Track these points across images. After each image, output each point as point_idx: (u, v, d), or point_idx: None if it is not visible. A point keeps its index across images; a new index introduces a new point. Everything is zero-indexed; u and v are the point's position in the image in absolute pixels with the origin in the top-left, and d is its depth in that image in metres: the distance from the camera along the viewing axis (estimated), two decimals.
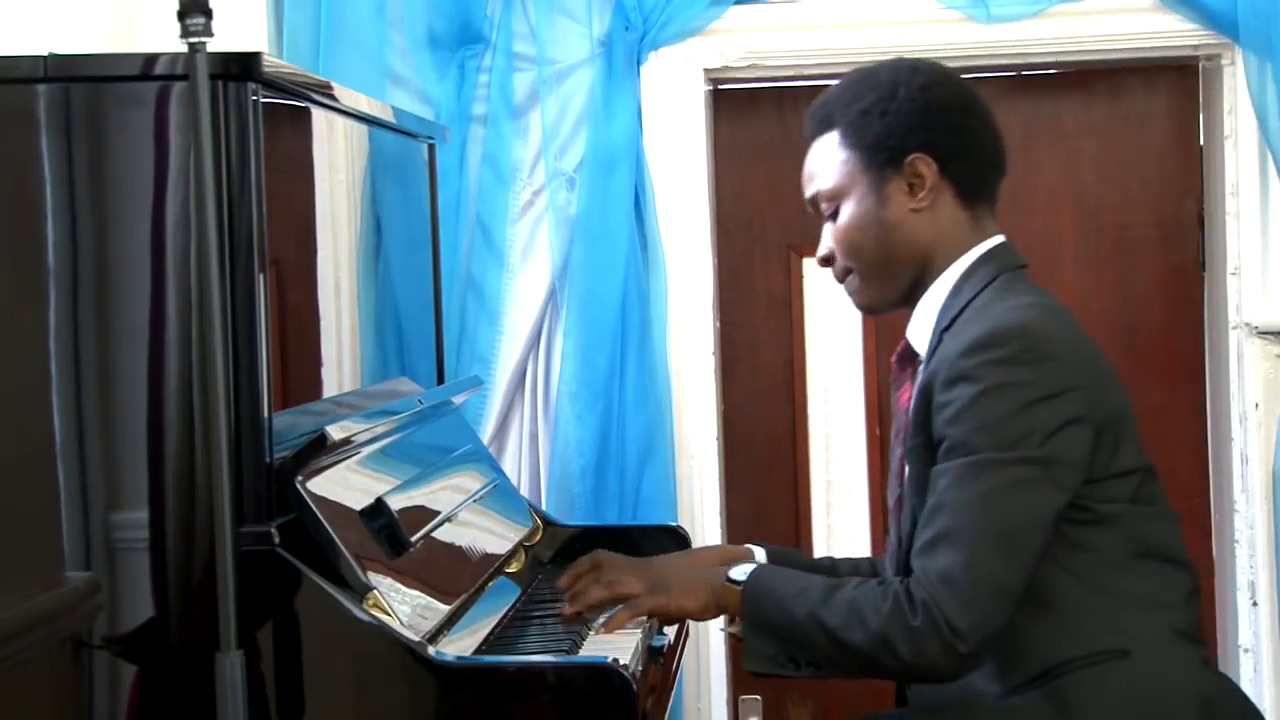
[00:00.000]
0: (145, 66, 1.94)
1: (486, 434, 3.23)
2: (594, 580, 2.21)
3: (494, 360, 3.26)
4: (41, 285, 1.92)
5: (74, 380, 1.93)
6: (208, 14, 1.80)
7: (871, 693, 3.46)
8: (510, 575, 2.43)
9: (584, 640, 2.14)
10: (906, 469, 2.11)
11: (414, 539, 2.14)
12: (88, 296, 1.93)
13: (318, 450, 1.99)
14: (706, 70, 3.32)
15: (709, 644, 3.32)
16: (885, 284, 2.16)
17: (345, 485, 2.08)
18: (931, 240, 2.12)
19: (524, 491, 3.19)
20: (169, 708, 1.95)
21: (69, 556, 1.94)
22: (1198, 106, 3.41)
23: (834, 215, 2.18)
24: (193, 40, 1.80)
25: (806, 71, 3.37)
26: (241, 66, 1.91)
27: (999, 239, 2.15)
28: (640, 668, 2.08)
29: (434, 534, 2.23)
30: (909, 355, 2.18)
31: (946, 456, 1.97)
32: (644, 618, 2.17)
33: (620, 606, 2.16)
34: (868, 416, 3.52)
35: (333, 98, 2.23)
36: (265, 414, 1.93)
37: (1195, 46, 3.27)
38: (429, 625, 2.02)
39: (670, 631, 2.36)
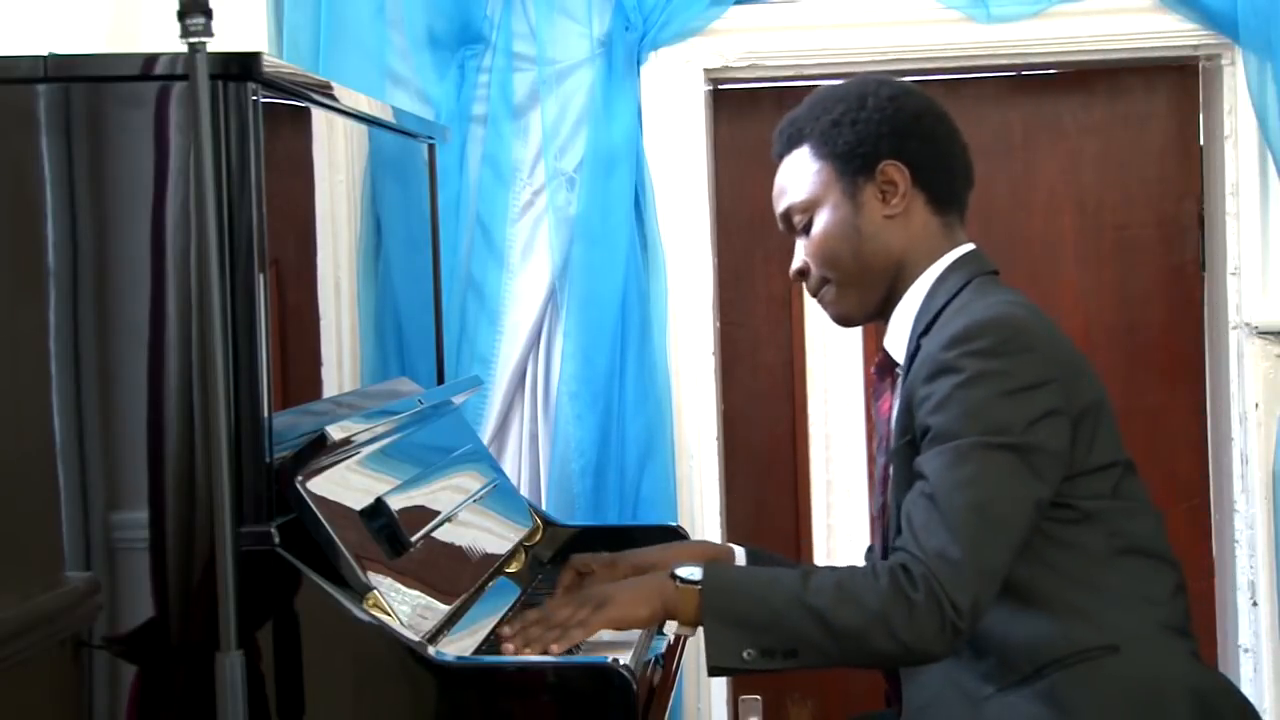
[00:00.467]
0: (145, 66, 1.94)
1: (486, 434, 3.23)
2: (542, 626, 2.07)
3: (494, 360, 3.26)
4: (41, 285, 1.92)
5: (74, 380, 1.93)
6: (208, 14, 1.80)
7: (872, 693, 3.46)
8: (510, 575, 2.43)
9: (579, 642, 2.13)
10: (891, 476, 2.12)
11: (414, 539, 2.14)
12: (88, 296, 1.93)
13: (318, 450, 1.99)
14: (706, 70, 3.32)
15: None
16: (861, 292, 2.18)
17: (345, 485, 2.08)
18: (905, 247, 2.15)
19: (524, 491, 3.19)
20: (169, 708, 1.95)
21: (69, 556, 1.94)
22: (1198, 106, 3.41)
23: (807, 228, 2.20)
24: (193, 40, 1.80)
25: (806, 71, 3.36)
26: (241, 66, 1.91)
27: (969, 246, 2.18)
28: (640, 668, 2.08)
29: (434, 534, 2.23)
30: (887, 365, 2.20)
31: (930, 445, 1.98)
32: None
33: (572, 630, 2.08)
34: (868, 417, 3.51)
35: (333, 98, 2.23)
36: (265, 414, 1.93)
37: (1195, 46, 3.27)
38: (429, 625, 2.02)
39: (670, 632, 2.35)
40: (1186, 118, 3.43)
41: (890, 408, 2.17)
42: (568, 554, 2.64)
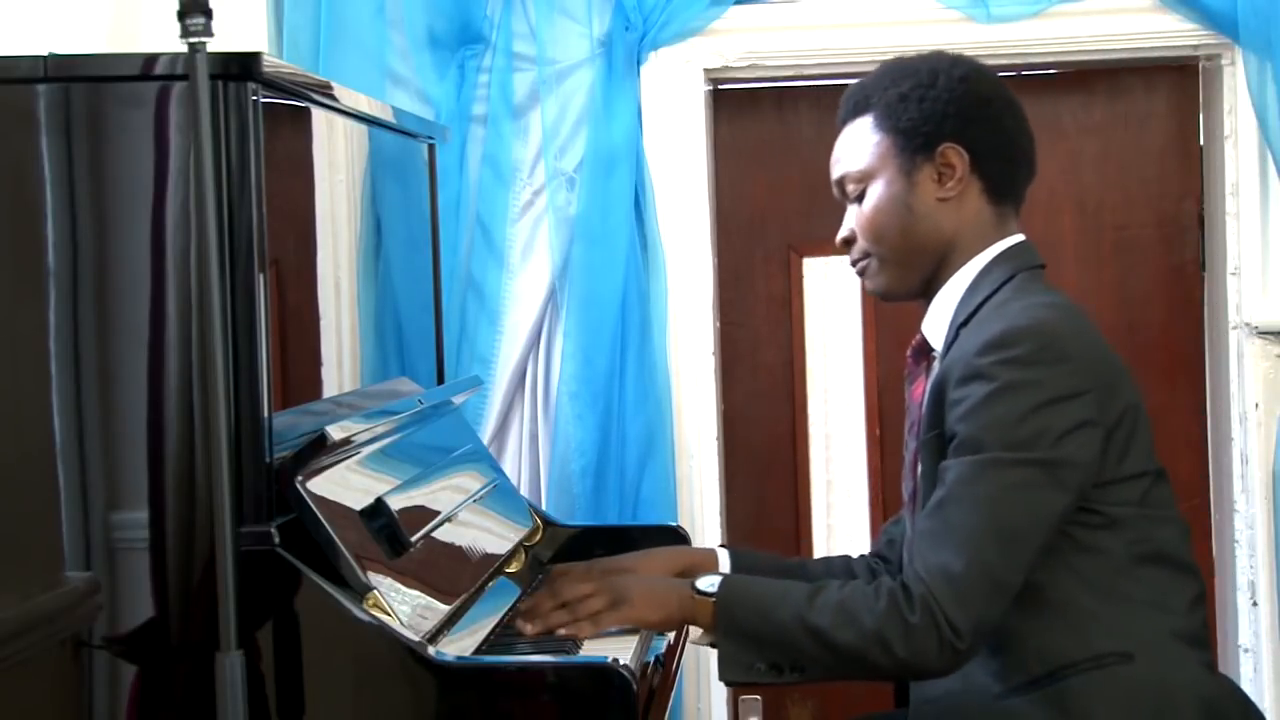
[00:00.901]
0: (145, 66, 1.94)
1: (486, 434, 3.23)
2: (553, 601, 2.16)
3: (494, 360, 3.26)
4: (41, 285, 1.92)
5: (74, 380, 1.93)
6: (208, 14, 1.80)
7: (873, 692, 3.46)
8: (510, 575, 2.42)
9: (584, 640, 2.14)
10: (920, 463, 2.10)
11: (414, 539, 2.14)
12: (88, 296, 1.93)
13: (318, 450, 1.99)
14: (706, 70, 3.32)
15: None
16: (903, 271, 2.15)
17: (345, 485, 2.08)
18: (954, 232, 2.12)
19: (524, 491, 3.19)
20: (169, 708, 1.95)
21: (69, 556, 1.94)
22: (1198, 106, 3.41)
23: (860, 198, 2.17)
24: (193, 40, 1.80)
25: (806, 71, 3.37)
26: (241, 66, 1.90)
27: (1019, 238, 2.15)
28: (640, 667, 2.08)
29: (434, 534, 2.22)
30: (924, 349, 2.18)
31: (955, 453, 1.98)
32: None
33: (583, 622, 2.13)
34: (868, 416, 3.52)
35: (333, 98, 2.23)
36: (265, 414, 1.93)
37: (1195, 46, 3.27)
38: (429, 625, 2.02)
39: (670, 633, 2.35)
40: (1186, 118, 3.43)
41: (923, 392, 2.15)
42: (568, 554, 2.65)
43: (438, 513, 2.27)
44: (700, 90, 3.31)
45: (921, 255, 2.13)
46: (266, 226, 1.94)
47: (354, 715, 1.95)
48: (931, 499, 2.00)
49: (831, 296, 3.53)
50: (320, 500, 1.97)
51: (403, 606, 1.98)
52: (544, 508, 3.11)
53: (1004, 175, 2.14)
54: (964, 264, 2.12)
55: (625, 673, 1.89)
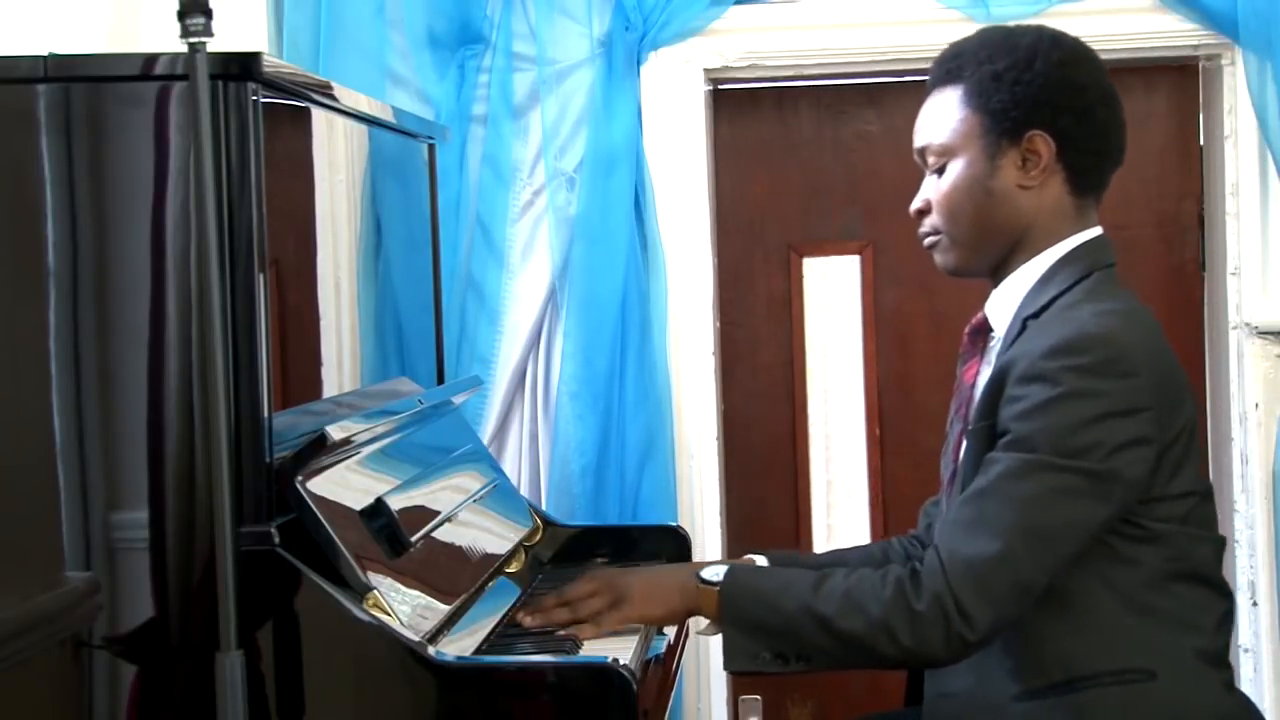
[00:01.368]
0: (145, 66, 1.94)
1: (486, 434, 3.23)
2: (556, 598, 2.17)
3: (494, 360, 3.26)
4: (41, 285, 1.92)
5: (74, 380, 1.93)
6: (208, 14, 1.80)
7: (873, 692, 3.46)
8: (510, 575, 2.42)
9: (584, 640, 2.14)
10: (964, 446, 2.08)
11: (414, 539, 2.14)
12: (88, 296, 1.93)
13: (318, 450, 1.99)
14: (706, 70, 3.32)
15: (709, 644, 3.32)
16: (974, 253, 2.11)
17: (345, 485, 2.08)
18: (1031, 220, 2.07)
19: (524, 491, 3.19)
20: (169, 708, 1.95)
21: (69, 556, 1.94)
22: (1198, 106, 3.41)
23: (940, 171, 2.11)
24: (193, 40, 1.80)
25: (806, 71, 3.37)
26: (241, 66, 1.90)
27: (1096, 231, 2.11)
28: (640, 667, 2.08)
29: (434, 534, 2.22)
30: (983, 330, 2.15)
31: (1005, 448, 1.95)
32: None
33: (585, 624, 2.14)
34: (868, 416, 3.52)
35: (333, 98, 2.23)
36: (265, 414, 1.93)
37: (1195, 46, 3.27)
38: (429, 625, 2.02)
39: (670, 632, 2.35)
40: (1186, 118, 3.43)
41: (975, 374, 2.13)
42: (568, 554, 2.65)
43: (438, 513, 2.27)
44: (700, 90, 3.31)
45: (994, 239, 2.09)
46: (266, 226, 1.94)
47: (354, 715, 1.95)
48: (971, 487, 1.98)
49: (831, 296, 3.53)
50: (320, 500, 1.97)
51: (403, 606, 1.98)
52: (544, 508, 3.11)
53: (1089, 167, 2.09)
54: (1037, 254, 2.08)
55: (625, 673, 1.89)
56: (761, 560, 2.35)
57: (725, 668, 2.06)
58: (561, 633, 2.12)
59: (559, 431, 3.23)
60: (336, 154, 2.36)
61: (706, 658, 3.33)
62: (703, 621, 2.13)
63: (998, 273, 2.11)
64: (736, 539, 3.42)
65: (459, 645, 2.05)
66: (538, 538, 2.67)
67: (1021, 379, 1.95)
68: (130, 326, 1.93)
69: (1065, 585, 1.96)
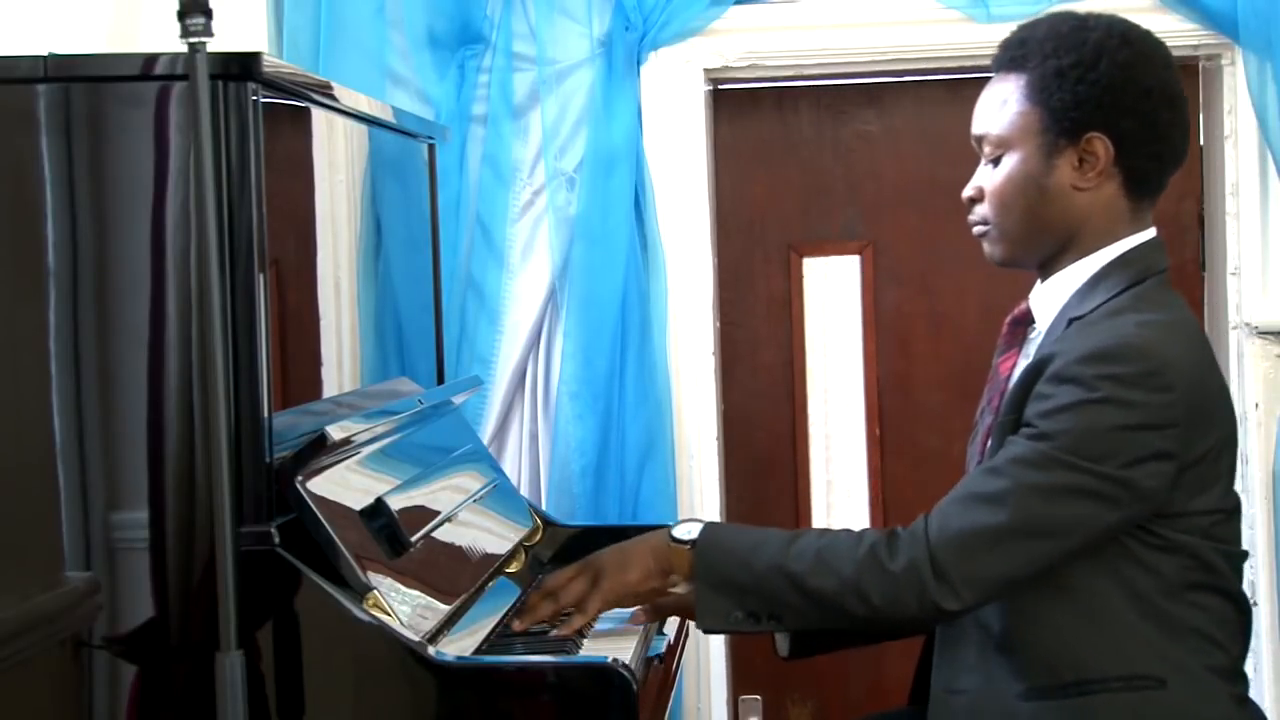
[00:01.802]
0: (145, 66, 1.94)
1: (486, 434, 3.23)
2: (541, 596, 2.16)
3: (494, 360, 3.26)
4: (41, 285, 1.92)
5: (74, 380, 1.93)
6: (208, 14, 1.80)
7: (874, 692, 3.46)
8: (510, 575, 2.42)
9: (584, 640, 2.14)
10: (991, 440, 2.06)
11: (414, 539, 2.14)
12: (88, 296, 1.93)
13: (318, 450, 1.99)
14: (706, 70, 3.32)
15: (709, 644, 3.32)
16: (1023, 248, 2.08)
17: (345, 485, 2.08)
18: (1083, 220, 2.04)
19: (524, 491, 3.19)
20: (169, 708, 1.95)
21: (69, 556, 1.94)
22: (1198, 106, 3.41)
23: (995, 161, 2.07)
24: (193, 40, 1.80)
25: (806, 71, 3.37)
26: (241, 66, 1.90)
27: (1150, 234, 2.07)
28: (640, 667, 2.08)
29: (434, 534, 2.22)
30: (1025, 321, 2.13)
31: (1026, 437, 1.94)
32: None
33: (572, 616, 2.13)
34: (868, 416, 3.52)
35: (333, 98, 2.23)
36: (265, 414, 1.93)
37: (1195, 46, 3.27)
38: (429, 625, 2.02)
39: (670, 631, 2.36)
40: None
41: (1012, 367, 2.10)
42: (568, 554, 2.65)
43: (438, 513, 2.27)
44: (700, 90, 3.31)
45: (1045, 237, 2.06)
46: (266, 226, 1.94)
47: (354, 715, 1.95)
48: (982, 465, 1.98)
49: (831, 296, 3.53)
50: (320, 500, 1.97)
51: (403, 606, 1.98)
52: (544, 508, 3.11)
53: (1148, 170, 2.04)
54: (1088, 254, 2.04)
55: (625, 672, 1.89)
56: None
57: (699, 627, 2.06)
58: (556, 631, 2.11)
59: (559, 431, 3.23)
60: (336, 154, 2.36)
61: (706, 658, 3.33)
62: (676, 579, 2.10)
63: (1046, 267, 2.08)
64: None
65: (459, 645, 2.05)
66: (538, 538, 2.67)
67: (1054, 378, 1.93)
68: (130, 326, 1.93)
69: (1082, 585, 1.95)
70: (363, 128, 2.49)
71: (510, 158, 3.25)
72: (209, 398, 1.83)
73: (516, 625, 2.15)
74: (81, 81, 1.93)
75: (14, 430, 1.93)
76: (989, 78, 2.12)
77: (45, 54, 1.94)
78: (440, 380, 2.84)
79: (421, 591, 2.08)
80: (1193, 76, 3.40)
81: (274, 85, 1.98)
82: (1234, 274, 3.28)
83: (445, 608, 2.11)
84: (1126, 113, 2.01)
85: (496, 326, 3.26)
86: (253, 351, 1.92)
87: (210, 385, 1.83)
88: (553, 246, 3.25)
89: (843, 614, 1.97)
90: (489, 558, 2.38)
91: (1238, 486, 3.22)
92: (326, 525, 1.95)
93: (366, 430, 2.13)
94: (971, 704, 2.03)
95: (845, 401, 3.53)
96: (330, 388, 2.29)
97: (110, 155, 1.93)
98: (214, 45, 1.83)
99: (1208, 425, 1.96)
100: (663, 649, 2.27)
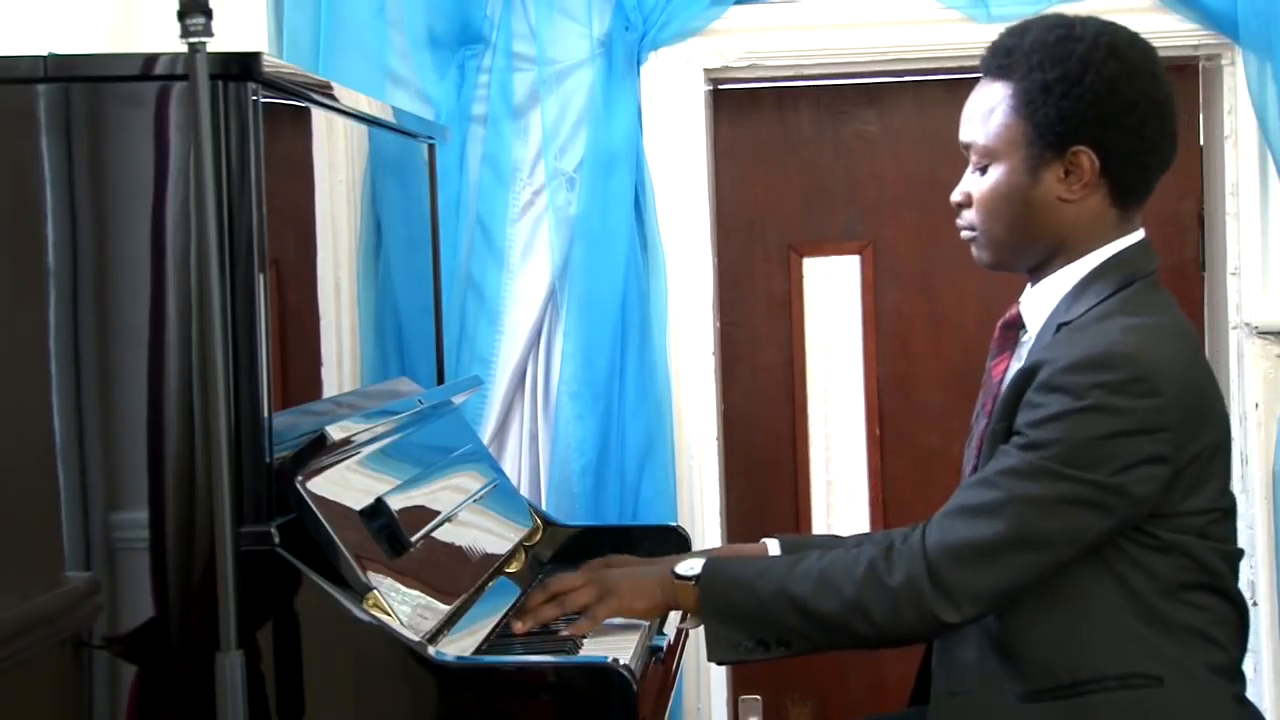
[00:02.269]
0: (145, 66, 1.94)
1: (486, 434, 3.23)
2: (543, 596, 2.18)
3: (494, 360, 3.26)
4: (41, 285, 1.92)
5: (74, 380, 1.93)
6: (208, 14, 1.80)
7: (874, 692, 3.46)
8: (510, 575, 2.42)
9: (584, 640, 2.14)
10: (984, 447, 2.07)
11: (414, 539, 2.14)
12: (88, 296, 1.93)
13: (318, 450, 1.99)
14: (706, 70, 3.32)
15: None
16: (1010, 255, 2.09)
17: (345, 485, 2.08)
18: (1070, 230, 2.04)
19: (524, 491, 3.19)
20: (169, 708, 1.95)
21: (69, 556, 1.94)
22: (1198, 106, 3.41)
23: (982, 170, 2.08)
24: (193, 40, 1.80)
25: (806, 71, 3.37)
26: (241, 66, 1.90)
27: (1138, 236, 2.07)
28: (640, 667, 2.08)
29: (434, 534, 2.22)
30: (1016, 325, 2.13)
31: (1017, 447, 1.95)
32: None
33: (579, 620, 2.15)
34: (868, 416, 3.52)
35: (333, 98, 2.23)
36: (265, 414, 1.93)
37: (1195, 46, 3.27)
38: (429, 625, 2.02)
39: (670, 631, 2.36)
40: (1187, 118, 3.42)
41: (1004, 370, 2.11)
42: (568, 554, 2.65)
43: (438, 513, 2.27)
44: (700, 90, 3.31)
45: (1032, 245, 2.07)
46: (266, 226, 1.94)
47: (354, 715, 1.95)
48: (975, 475, 1.99)
49: (831, 296, 3.53)
50: (320, 500, 1.97)
51: (403, 606, 1.98)
52: (544, 508, 3.11)
53: (1134, 179, 2.04)
54: (1076, 259, 2.05)
55: (625, 673, 1.89)
56: (774, 544, 2.35)
57: (710, 659, 2.07)
58: (567, 630, 2.12)
59: (559, 431, 3.23)
60: (336, 154, 2.36)
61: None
62: (685, 616, 2.14)
63: (1035, 272, 2.09)
64: (736, 539, 3.42)
65: (459, 645, 2.05)
66: (538, 538, 2.67)
67: (1042, 387, 1.94)
68: (130, 326, 1.93)
69: (1078, 587, 1.96)
70: (363, 128, 2.49)
71: (510, 158, 3.25)
72: (209, 398, 1.83)
73: (518, 627, 2.15)
74: (81, 81, 1.92)
75: (14, 430, 1.93)
76: None
77: (45, 54, 1.94)
78: (440, 380, 2.84)
79: (421, 591, 2.08)
80: (1193, 76, 3.40)
81: (274, 85, 1.98)
82: (1234, 274, 3.28)
83: (445, 608, 2.11)
84: (1112, 126, 2.00)
85: (496, 326, 3.26)
86: (253, 351, 1.92)
87: (210, 385, 1.83)
88: (553, 246, 3.25)
89: (848, 634, 1.99)
90: (489, 558, 2.38)
91: (1237, 487, 3.27)
92: (326, 525, 1.95)
93: (366, 430, 2.13)
94: (971, 706, 2.04)
95: (845, 401, 3.53)
96: (330, 388, 2.29)
97: (110, 155, 1.93)
98: (214, 45, 1.83)
99: (1200, 427, 1.96)
100: (663, 649, 2.27)
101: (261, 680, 1.91)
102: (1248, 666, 3.27)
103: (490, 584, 2.32)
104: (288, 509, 1.95)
